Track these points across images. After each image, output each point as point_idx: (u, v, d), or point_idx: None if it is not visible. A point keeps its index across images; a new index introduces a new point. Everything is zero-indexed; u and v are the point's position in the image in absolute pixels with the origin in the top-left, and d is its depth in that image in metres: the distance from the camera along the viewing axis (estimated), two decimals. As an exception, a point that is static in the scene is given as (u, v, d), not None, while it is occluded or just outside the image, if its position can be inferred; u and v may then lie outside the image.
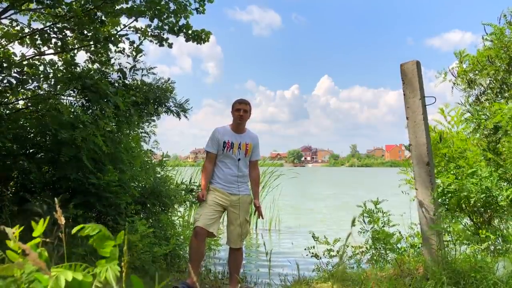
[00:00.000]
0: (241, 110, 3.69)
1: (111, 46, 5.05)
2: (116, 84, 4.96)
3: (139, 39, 5.20)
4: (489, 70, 3.93)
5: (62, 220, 1.18)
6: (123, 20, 5.18)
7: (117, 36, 4.97)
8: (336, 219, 11.15)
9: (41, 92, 4.76)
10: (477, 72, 4.11)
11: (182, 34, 5.12)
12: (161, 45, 5.24)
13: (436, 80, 4.24)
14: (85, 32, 4.73)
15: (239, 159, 3.68)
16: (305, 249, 4.03)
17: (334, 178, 45.04)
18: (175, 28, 5.07)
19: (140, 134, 5.42)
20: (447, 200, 3.94)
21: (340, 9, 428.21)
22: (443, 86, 4.39)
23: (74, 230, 1.07)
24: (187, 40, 5.17)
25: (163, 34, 5.19)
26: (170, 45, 5.32)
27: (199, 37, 5.15)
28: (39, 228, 1.03)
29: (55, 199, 1.27)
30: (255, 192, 3.91)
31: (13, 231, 0.95)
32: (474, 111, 4.02)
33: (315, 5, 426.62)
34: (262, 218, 3.95)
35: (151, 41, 5.25)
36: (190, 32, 5.10)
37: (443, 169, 4.02)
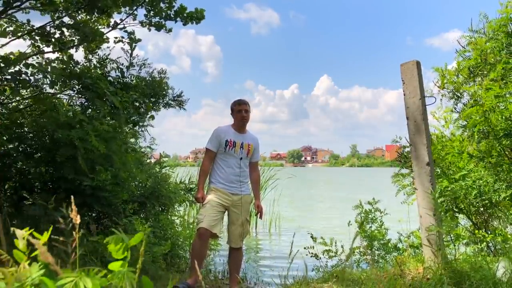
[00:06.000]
0: (242, 111, 3.69)
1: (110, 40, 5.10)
2: (116, 83, 4.96)
3: (134, 33, 5.22)
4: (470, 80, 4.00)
5: (78, 220, 1.15)
6: (122, 16, 5.21)
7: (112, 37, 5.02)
8: (336, 219, 11.14)
9: (39, 91, 4.75)
10: (458, 85, 4.17)
11: (179, 18, 5.13)
12: (159, 30, 5.24)
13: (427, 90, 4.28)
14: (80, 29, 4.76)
15: (241, 158, 3.68)
16: (304, 248, 4.02)
17: (335, 178, 45.02)
18: (171, 13, 5.08)
19: (138, 131, 5.42)
20: (445, 201, 3.94)
21: (339, 8, 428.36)
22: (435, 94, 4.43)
23: (106, 240, 1.06)
24: (185, 24, 5.18)
25: (162, 22, 5.20)
26: (169, 30, 5.34)
27: (195, 17, 5.16)
28: (44, 236, 1.01)
29: (70, 201, 1.25)
30: (256, 193, 3.92)
31: (23, 233, 0.94)
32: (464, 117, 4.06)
33: (314, 3, 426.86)
34: (261, 219, 3.96)
35: (149, 29, 5.25)
36: (185, 14, 5.11)
37: (439, 171, 4.03)
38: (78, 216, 1.12)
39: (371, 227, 4.05)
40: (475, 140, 3.85)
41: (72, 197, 1.22)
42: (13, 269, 0.95)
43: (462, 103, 4.24)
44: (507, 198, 3.59)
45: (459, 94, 4.24)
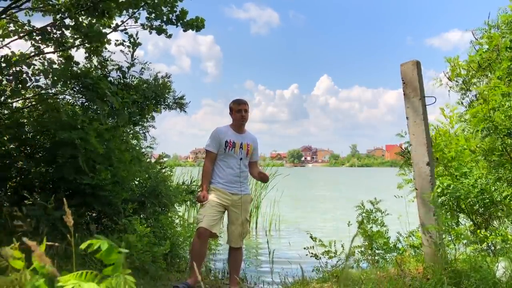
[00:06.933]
0: (242, 111, 3.69)
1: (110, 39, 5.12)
2: (116, 83, 4.98)
3: (136, 34, 5.24)
4: (480, 74, 3.99)
5: (71, 222, 1.16)
6: (122, 17, 5.22)
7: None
8: (336, 219, 11.15)
9: (41, 91, 4.76)
10: (468, 77, 4.16)
11: (179, 24, 5.14)
12: (159, 33, 5.25)
13: (432, 83, 4.27)
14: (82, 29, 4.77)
15: (240, 159, 3.68)
16: (304, 248, 4.03)
17: (335, 178, 45.03)
18: (172, 18, 5.10)
19: (139, 131, 5.44)
20: (446, 200, 3.94)
21: (339, 8, 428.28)
22: (443, 85, 4.41)
23: (82, 246, 1.06)
24: (185, 30, 5.19)
25: (163, 26, 5.22)
26: (169, 36, 5.35)
27: (195, 25, 5.18)
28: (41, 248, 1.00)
29: (64, 200, 1.27)
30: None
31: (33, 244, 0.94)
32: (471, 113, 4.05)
33: (313, 3, 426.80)
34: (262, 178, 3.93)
35: (150, 32, 5.26)
36: (186, 20, 5.12)
37: (440, 170, 4.02)
38: (71, 218, 1.14)
39: (371, 227, 4.05)
40: (479, 137, 3.83)
41: (64, 199, 1.23)
42: (14, 277, 0.95)
43: (469, 97, 4.23)
44: (509, 197, 3.58)
45: (467, 88, 4.23)
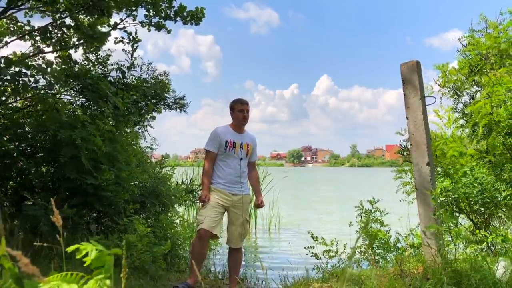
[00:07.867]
0: (244, 111, 3.67)
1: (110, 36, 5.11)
2: (116, 83, 4.97)
3: (136, 32, 5.24)
4: (470, 80, 4.03)
5: (60, 222, 1.17)
6: (121, 15, 5.23)
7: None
8: (336, 219, 11.15)
9: (40, 92, 4.76)
10: (460, 83, 4.20)
11: (179, 18, 5.14)
12: (159, 30, 5.25)
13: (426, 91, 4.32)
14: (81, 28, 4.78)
15: (241, 159, 3.67)
16: (304, 248, 4.03)
17: (335, 178, 45.02)
18: (171, 13, 5.10)
19: (139, 131, 5.44)
20: (446, 201, 3.93)
21: (338, 8, 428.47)
22: (434, 92, 4.47)
23: (69, 249, 1.05)
24: (185, 23, 5.19)
25: (161, 22, 5.22)
26: (168, 31, 5.36)
27: (195, 16, 5.17)
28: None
29: (52, 200, 1.27)
30: (258, 190, 3.93)
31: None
32: (466, 116, 4.07)
33: (313, 2, 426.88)
34: (260, 207, 3.92)
35: (149, 29, 5.26)
36: (185, 14, 5.11)
37: (439, 171, 4.02)
38: (60, 219, 1.14)
39: (371, 227, 4.05)
40: (480, 136, 3.81)
41: (51, 199, 1.23)
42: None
43: (462, 102, 4.26)
44: (508, 197, 3.58)
45: (459, 93, 4.26)
